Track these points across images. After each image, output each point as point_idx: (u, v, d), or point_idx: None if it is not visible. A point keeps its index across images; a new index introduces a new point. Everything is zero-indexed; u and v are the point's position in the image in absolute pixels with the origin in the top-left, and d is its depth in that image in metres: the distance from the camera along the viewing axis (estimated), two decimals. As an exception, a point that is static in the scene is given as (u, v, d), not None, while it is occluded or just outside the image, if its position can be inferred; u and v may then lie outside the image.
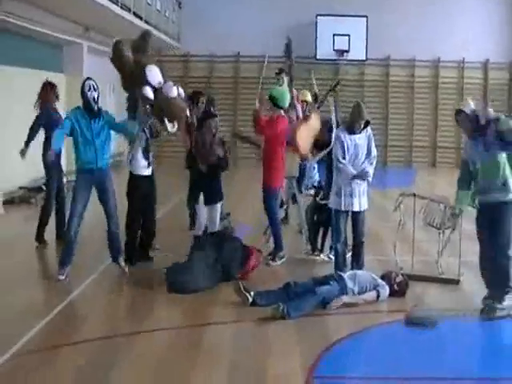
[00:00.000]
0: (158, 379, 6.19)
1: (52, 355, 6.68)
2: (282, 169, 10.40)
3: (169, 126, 9.70)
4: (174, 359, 6.65)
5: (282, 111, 10.36)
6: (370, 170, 9.40)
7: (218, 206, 10.70)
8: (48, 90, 11.33)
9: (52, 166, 11.09)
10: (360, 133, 9.34)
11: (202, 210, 10.80)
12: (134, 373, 6.28)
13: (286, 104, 10.49)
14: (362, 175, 9.26)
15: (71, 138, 9.25)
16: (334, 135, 9.68)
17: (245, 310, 8.09)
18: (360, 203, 9.40)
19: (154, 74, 9.41)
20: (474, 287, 9.24)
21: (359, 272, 8.79)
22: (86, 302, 8.59)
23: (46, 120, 11.16)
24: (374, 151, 9.48)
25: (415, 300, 8.58)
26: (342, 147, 9.22)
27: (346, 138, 9.24)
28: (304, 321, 7.74)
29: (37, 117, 11.30)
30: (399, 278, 8.71)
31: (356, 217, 9.50)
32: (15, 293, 8.73)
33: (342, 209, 9.33)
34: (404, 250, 10.19)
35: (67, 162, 12.97)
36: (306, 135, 10.57)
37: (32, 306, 8.20)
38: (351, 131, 9.28)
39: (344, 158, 9.21)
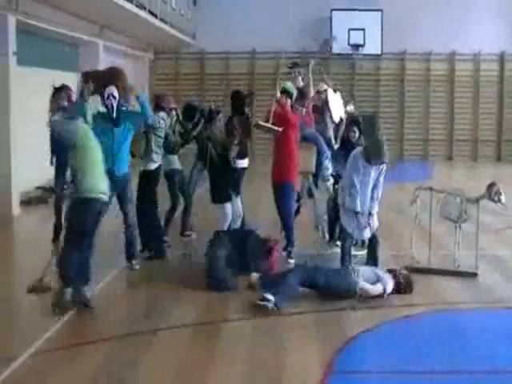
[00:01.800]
0: (176, 376, 6.19)
1: (71, 353, 6.70)
2: (295, 162, 10.37)
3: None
4: (193, 356, 6.65)
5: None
6: (375, 210, 9.18)
7: (221, 206, 10.50)
8: (54, 97, 11.26)
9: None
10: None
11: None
12: (153, 370, 6.28)
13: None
14: (361, 222, 9.08)
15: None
16: (352, 157, 9.25)
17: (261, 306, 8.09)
18: (367, 232, 9.23)
19: None
20: (492, 280, 9.24)
21: (361, 267, 8.66)
22: (105, 300, 8.56)
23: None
24: (381, 189, 9.22)
25: (433, 294, 8.56)
26: (357, 172, 8.97)
27: (361, 165, 8.96)
28: (319, 316, 7.74)
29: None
30: (403, 276, 8.60)
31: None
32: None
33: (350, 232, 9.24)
34: (421, 243, 10.18)
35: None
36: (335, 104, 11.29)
37: (50, 305, 8.21)
38: (367, 161, 8.98)
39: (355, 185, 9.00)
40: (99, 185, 7.88)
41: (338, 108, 12.25)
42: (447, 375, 6.24)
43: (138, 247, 10.08)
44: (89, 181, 7.79)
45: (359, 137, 10.80)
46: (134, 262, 9.70)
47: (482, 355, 6.61)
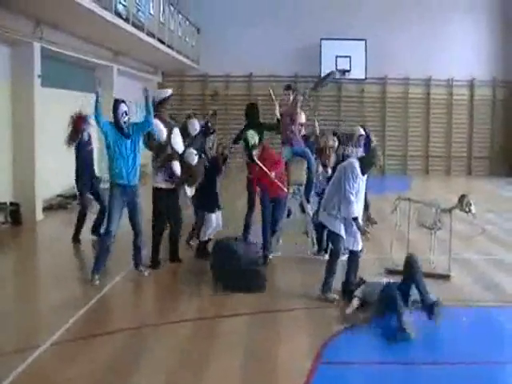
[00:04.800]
0: (182, 364, 6.24)
1: (87, 343, 6.73)
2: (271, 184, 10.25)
3: (188, 190, 9.81)
4: (195, 347, 6.70)
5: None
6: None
7: (209, 215, 10.39)
8: (76, 124, 11.37)
9: (82, 177, 11.34)
10: None
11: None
12: (162, 359, 6.33)
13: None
14: (359, 226, 8.35)
15: (104, 151, 9.19)
16: (349, 165, 8.37)
17: (256, 302, 8.14)
18: (356, 242, 8.49)
19: (178, 142, 9.60)
20: (463, 281, 9.28)
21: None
22: (117, 296, 8.63)
23: (78, 145, 11.38)
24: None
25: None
26: (355, 180, 8.21)
27: (360, 176, 8.28)
28: (309, 312, 7.76)
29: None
30: None
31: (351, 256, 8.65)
32: (54, 288, 8.81)
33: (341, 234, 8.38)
34: (400, 248, 10.20)
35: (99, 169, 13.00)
36: None
37: (69, 299, 8.24)
38: (363, 172, 8.33)
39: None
40: None
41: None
42: (425, 365, 6.30)
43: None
44: None
45: (338, 146, 11.04)
46: (142, 268, 9.48)
47: (453, 347, 6.68)
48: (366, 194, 8.96)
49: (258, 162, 10.10)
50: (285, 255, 10.58)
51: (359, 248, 8.54)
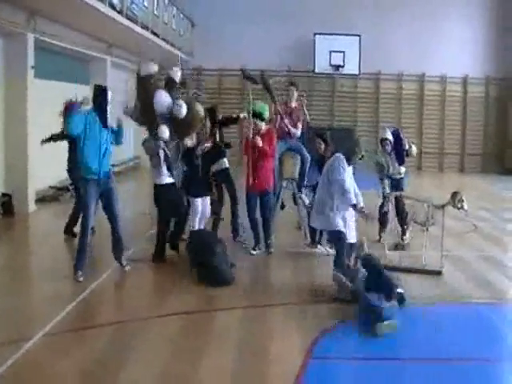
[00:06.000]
0: (172, 359, 6.22)
1: (79, 336, 6.73)
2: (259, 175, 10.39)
3: (189, 142, 9.73)
4: (186, 341, 6.70)
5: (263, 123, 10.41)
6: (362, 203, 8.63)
7: (194, 201, 10.27)
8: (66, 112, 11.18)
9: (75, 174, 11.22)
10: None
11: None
12: (151, 353, 6.31)
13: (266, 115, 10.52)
14: (361, 211, 8.42)
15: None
16: (336, 159, 8.53)
17: (248, 297, 8.13)
18: (353, 234, 8.73)
19: (161, 100, 9.38)
20: (454, 277, 9.29)
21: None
22: (108, 290, 8.61)
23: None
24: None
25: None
26: (344, 171, 8.37)
27: (346, 167, 8.43)
28: (301, 308, 7.77)
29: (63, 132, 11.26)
30: None
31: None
32: (46, 281, 8.77)
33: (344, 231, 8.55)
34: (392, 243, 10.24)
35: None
36: None
37: (61, 292, 8.22)
38: (348, 162, 8.51)
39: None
40: None
41: None
42: (415, 361, 6.30)
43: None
44: None
45: (326, 148, 10.86)
46: (123, 262, 9.34)
47: (444, 344, 6.69)
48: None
49: (261, 127, 10.27)
50: (277, 250, 10.58)
51: (354, 240, 8.73)
